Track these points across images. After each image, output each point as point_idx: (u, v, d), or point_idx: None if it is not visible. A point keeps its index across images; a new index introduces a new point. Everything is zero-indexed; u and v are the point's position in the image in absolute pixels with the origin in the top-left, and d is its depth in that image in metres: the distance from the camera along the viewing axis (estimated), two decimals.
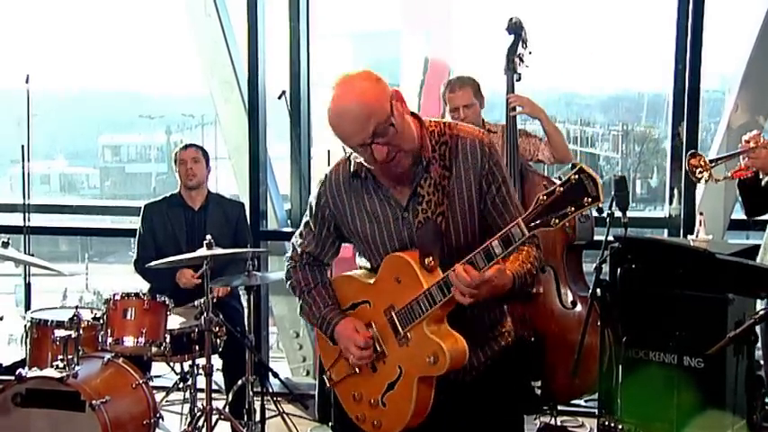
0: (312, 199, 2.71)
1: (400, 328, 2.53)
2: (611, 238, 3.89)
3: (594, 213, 3.82)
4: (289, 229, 5.96)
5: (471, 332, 2.52)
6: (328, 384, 2.80)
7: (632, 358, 4.18)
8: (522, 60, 4.37)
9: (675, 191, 5.23)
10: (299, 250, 2.76)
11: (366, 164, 2.46)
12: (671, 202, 5.27)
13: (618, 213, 3.72)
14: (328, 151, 4.64)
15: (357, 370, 2.66)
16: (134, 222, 6.17)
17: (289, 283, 2.80)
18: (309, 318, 2.75)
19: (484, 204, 2.51)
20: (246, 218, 5.13)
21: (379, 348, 2.59)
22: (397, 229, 2.55)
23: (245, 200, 5.49)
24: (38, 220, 5.61)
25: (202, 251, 4.14)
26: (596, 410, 4.70)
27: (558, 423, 4.56)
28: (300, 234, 2.77)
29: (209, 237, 4.18)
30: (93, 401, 3.80)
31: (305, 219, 2.75)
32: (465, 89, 4.32)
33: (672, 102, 5.21)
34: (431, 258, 2.46)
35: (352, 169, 2.57)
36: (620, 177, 3.68)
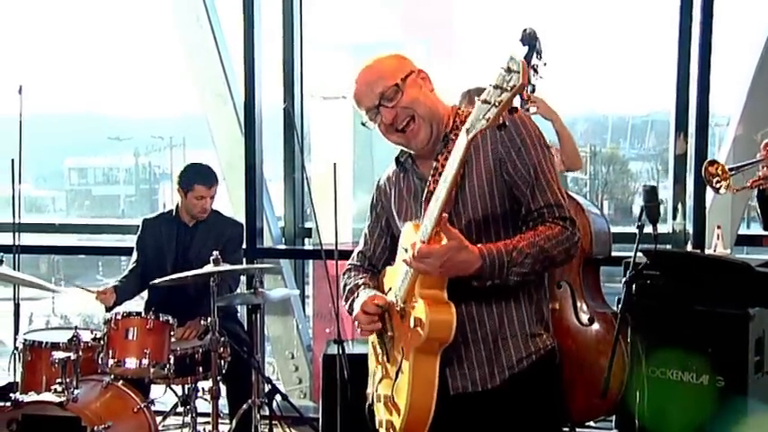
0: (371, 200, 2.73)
1: (399, 300, 2.39)
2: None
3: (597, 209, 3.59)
4: (283, 247, 5.75)
5: (495, 333, 2.41)
6: (369, 401, 2.67)
7: (650, 377, 4.04)
8: (536, 71, 4.21)
9: (680, 205, 5.10)
10: (355, 253, 2.77)
11: (390, 141, 2.46)
12: (674, 217, 5.14)
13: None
14: (334, 165, 4.44)
15: (382, 369, 2.53)
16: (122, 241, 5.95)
17: (343, 281, 2.74)
18: (348, 304, 2.64)
19: (505, 175, 2.37)
20: (241, 238, 4.88)
21: (390, 332, 2.46)
22: (420, 204, 2.46)
23: (240, 217, 5.24)
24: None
25: (209, 267, 3.90)
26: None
27: None
28: (365, 239, 2.76)
29: (215, 252, 3.94)
30: (95, 427, 3.59)
31: (365, 229, 2.78)
32: None
33: (674, 119, 5.09)
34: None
35: (395, 158, 2.59)
36: (651, 188, 3.50)
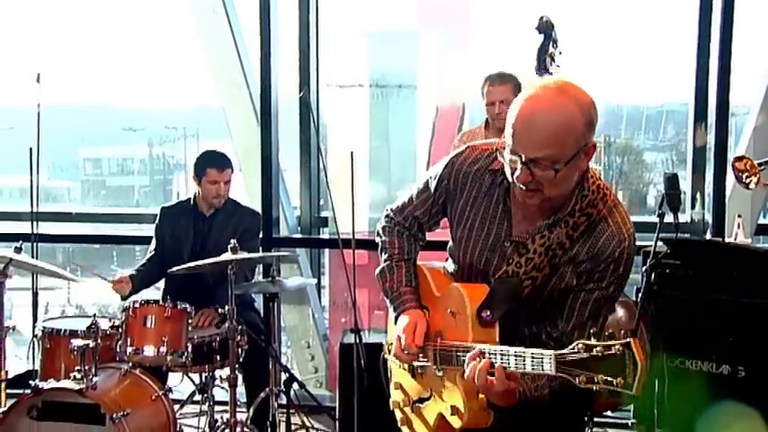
0: (433, 172, 2.49)
1: (438, 362, 2.36)
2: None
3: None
4: (299, 236, 5.75)
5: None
6: (383, 354, 2.69)
7: (669, 367, 4.01)
8: (553, 60, 4.19)
9: (698, 195, 5.07)
10: (403, 210, 2.58)
11: (506, 171, 2.20)
12: (693, 207, 5.11)
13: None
14: (351, 153, 4.42)
15: (400, 365, 2.57)
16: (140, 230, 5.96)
17: (380, 240, 2.61)
18: (385, 286, 2.56)
19: (573, 289, 2.26)
20: (259, 228, 4.85)
21: (423, 360, 2.45)
22: (491, 252, 2.35)
23: (256, 207, 5.22)
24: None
25: (226, 255, 3.89)
26: (629, 422, 4.54)
27: None
28: (410, 199, 2.57)
29: (233, 241, 3.93)
30: (114, 414, 3.59)
31: (414, 187, 2.56)
32: (505, 85, 4.22)
33: (693, 109, 5.05)
34: (490, 313, 2.24)
35: (494, 165, 2.33)
36: (672, 175, 3.45)
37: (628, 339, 1.81)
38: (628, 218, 2.27)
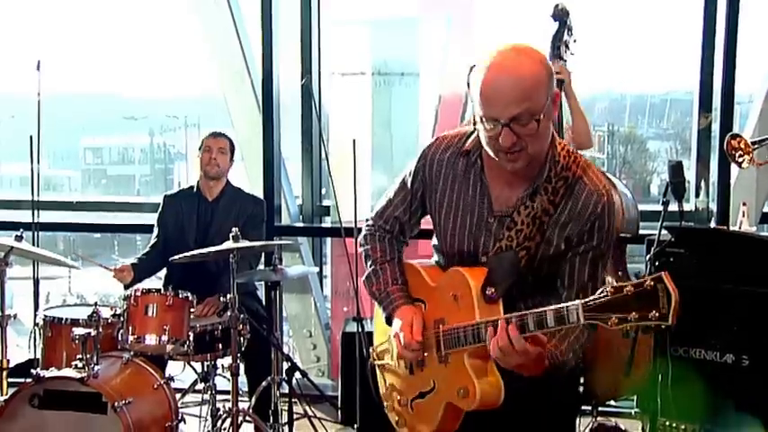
0: (408, 169, 2.53)
1: (442, 348, 2.35)
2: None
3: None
4: (301, 224, 5.74)
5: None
6: (370, 360, 2.70)
7: (673, 356, 4.00)
8: (567, 48, 4.17)
9: (703, 183, 5.05)
10: (383, 215, 2.60)
11: (486, 146, 2.25)
12: (697, 195, 5.09)
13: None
14: (354, 141, 4.40)
15: (396, 364, 2.54)
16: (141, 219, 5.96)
17: (363, 249, 2.64)
18: (372, 290, 2.58)
19: (571, 254, 2.30)
20: (262, 216, 4.84)
21: (421, 354, 2.44)
22: (477, 232, 2.37)
23: (258, 195, 5.21)
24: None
25: (229, 244, 3.88)
26: (632, 411, 4.53)
27: (613, 423, 4.35)
28: (388, 201, 2.60)
29: (235, 229, 3.93)
30: (116, 403, 3.58)
31: (391, 189, 2.61)
32: None
33: (698, 97, 5.03)
34: (494, 290, 2.25)
35: (465, 147, 2.39)
36: (677, 163, 3.45)
37: (659, 273, 1.85)
38: (602, 175, 2.34)
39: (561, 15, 4.05)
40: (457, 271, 2.34)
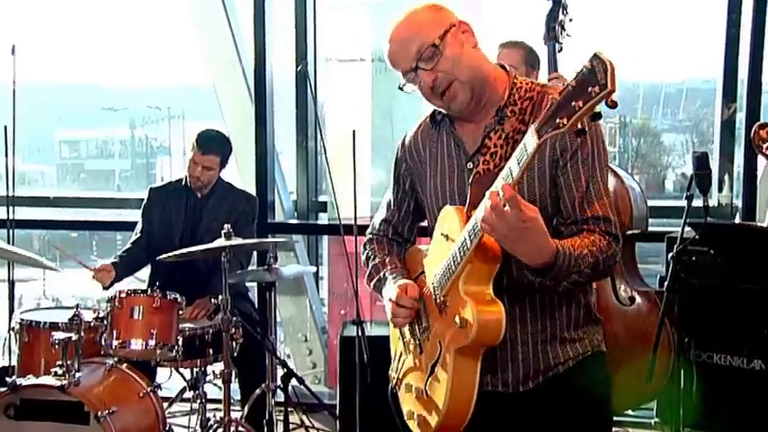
0: (392, 171, 2.65)
1: (439, 292, 2.33)
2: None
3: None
4: (295, 221, 5.72)
5: (536, 335, 2.35)
6: (391, 386, 2.65)
7: (696, 362, 4.00)
8: (563, 28, 4.16)
9: (726, 177, 5.05)
10: (377, 221, 2.70)
11: (430, 104, 2.41)
12: (720, 190, 5.09)
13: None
14: (353, 132, 4.39)
15: (411, 350, 2.52)
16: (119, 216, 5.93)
17: (364, 255, 2.70)
18: (372, 282, 2.64)
19: (562, 172, 2.28)
20: (254, 213, 4.82)
21: (425, 323, 2.43)
22: (459, 182, 2.40)
23: (250, 190, 5.19)
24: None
25: (220, 242, 3.86)
26: (652, 421, 4.53)
27: None
28: (383, 210, 2.71)
29: (227, 226, 3.91)
30: (99, 413, 3.57)
31: (384, 201, 2.71)
32: (514, 49, 4.18)
33: (721, 85, 5.02)
34: None
35: (430, 113, 2.51)
36: (702, 154, 3.43)
37: (593, 52, 1.85)
38: None
39: None
40: (444, 210, 2.38)
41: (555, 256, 2.10)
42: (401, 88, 2.38)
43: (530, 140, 1.96)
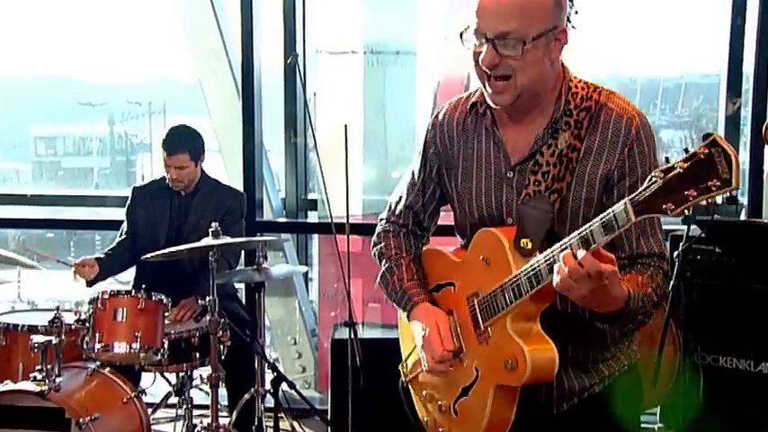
0: (417, 151, 2.53)
1: (481, 321, 2.28)
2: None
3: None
4: (284, 220, 5.69)
5: (575, 344, 2.29)
6: (403, 378, 2.62)
7: (701, 365, 3.99)
8: (569, 20, 4.13)
9: None
10: (398, 206, 2.59)
11: (474, 71, 2.23)
12: None
13: None
14: (345, 126, 4.36)
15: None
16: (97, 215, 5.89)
17: (376, 248, 2.61)
18: (387, 289, 2.56)
19: (608, 197, 2.21)
20: (242, 210, 4.79)
21: (456, 343, 2.36)
22: (497, 190, 2.33)
23: (237, 187, 5.16)
24: None
25: (207, 240, 3.83)
26: (655, 426, 4.52)
27: None
28: (400, 195, 2.60)
29: (214, 224, 3.88)
30: (81, 419, 3.56)
31: (402, 182, 2.60)
32: None
33: (726, 79, 5.01)
34: (529, 240, 2.18)
35: (472, 101, 2.38)
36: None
37: (710, 135, 1.77)
38: (626, 99, 2.27)
39: None
40: (484, 231, 2.30)
41: (626, 301, 2.06)
42: (461, 36, 2.22)
43: (622, 214, 1.91)
